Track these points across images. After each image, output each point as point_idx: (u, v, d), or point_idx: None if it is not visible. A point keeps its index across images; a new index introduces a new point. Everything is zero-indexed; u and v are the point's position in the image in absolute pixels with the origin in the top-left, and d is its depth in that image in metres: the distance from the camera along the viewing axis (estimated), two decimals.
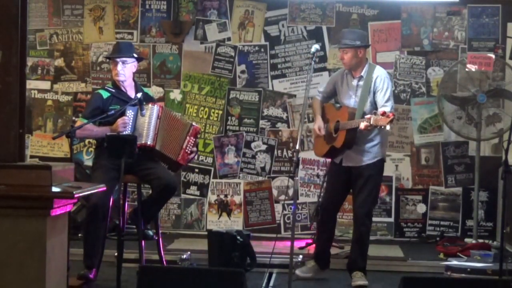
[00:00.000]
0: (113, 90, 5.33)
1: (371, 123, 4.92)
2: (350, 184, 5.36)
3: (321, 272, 5.49)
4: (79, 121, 5.31)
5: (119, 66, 5.29)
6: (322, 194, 6.26)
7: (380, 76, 5.29)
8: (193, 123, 5.44)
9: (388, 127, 4.90)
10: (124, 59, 5.30)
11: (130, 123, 5.17)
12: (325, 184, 5.91)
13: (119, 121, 5.13)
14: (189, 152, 5.33)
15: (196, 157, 5.83)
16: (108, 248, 5.34)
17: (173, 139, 5.28)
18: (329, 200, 5.48)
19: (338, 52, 6.97)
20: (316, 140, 5.77)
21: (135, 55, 5.44)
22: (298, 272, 5.46)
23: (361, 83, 5.31)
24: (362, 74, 5.32)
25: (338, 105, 5.53)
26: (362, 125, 4.99)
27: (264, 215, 7.17)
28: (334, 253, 5.71)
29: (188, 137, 5.31)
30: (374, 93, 5.25)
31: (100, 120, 5.14)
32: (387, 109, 5.10)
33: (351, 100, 5.34)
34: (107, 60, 7.02)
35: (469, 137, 6.74)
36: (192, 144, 5.34)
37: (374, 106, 5.23)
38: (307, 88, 5.18)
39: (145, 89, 5.62)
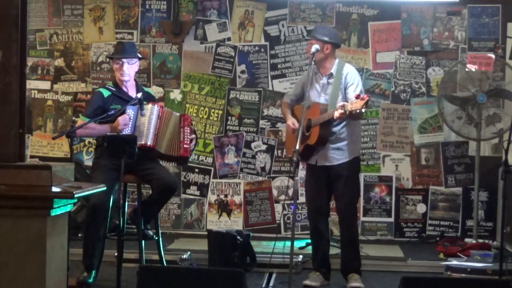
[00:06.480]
0: (114, 89, 5.33)
1: (346, 109, 4.84)
2: (330, 184, 5.27)
3: (326, 283, 5.35)
4: (80, 120, 5.31)
5: (125, 66, 5.29)
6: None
7: (351, 73, 5.26)
8: (182, 113, 5.45)
9: (363, 110, 4.83)
10: (130, 59, 5.30)
11: (131, 123, 5.16)
12: (304, 192, 5.51)
13: (120, 119, 5.11)
14: (188, 142, 5.31)
15: (197, 143, 5.74)
16: (108, 248, 5.35)
17: (173, 137, 5.28)
18: (316, 206, 5.32)
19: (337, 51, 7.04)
20: (288, 139, 5.66)
21: (139, 55, 5.48)
22: (306, 282, 5.28)
23: (331, 80, 5.26)
24: (332, 71, 5.26)
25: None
26: (337, 113, 4.89)
27: (264, 215, 7.17)
28: (334, 253, 5.68)
29: (181, 129, 5.30)
30: (345, 89, 5.20)
31: (100, 119, 5.13)
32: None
33: (320, 99, 5.27)
34: (108, 60, 7.04)
35: (469, 137, 6.73)
36: (188, 133, 5.31)
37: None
38: (307, 88, 5.20)
39: (146, 89, 5.62)
